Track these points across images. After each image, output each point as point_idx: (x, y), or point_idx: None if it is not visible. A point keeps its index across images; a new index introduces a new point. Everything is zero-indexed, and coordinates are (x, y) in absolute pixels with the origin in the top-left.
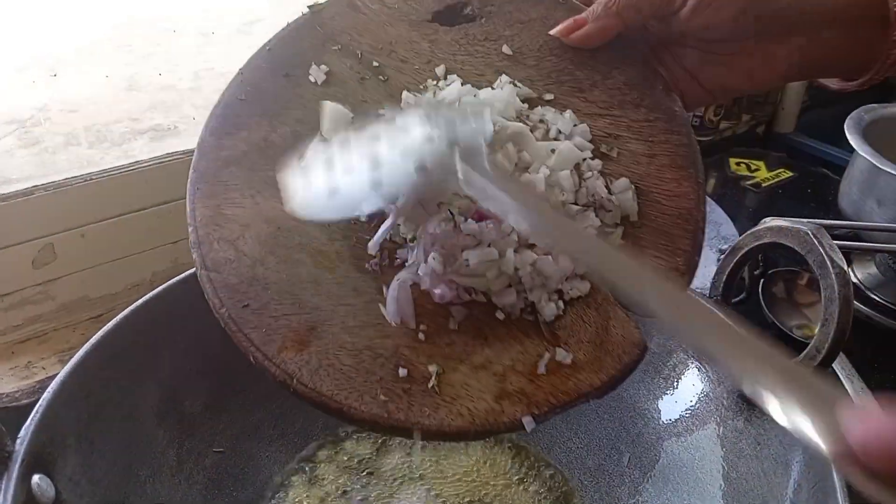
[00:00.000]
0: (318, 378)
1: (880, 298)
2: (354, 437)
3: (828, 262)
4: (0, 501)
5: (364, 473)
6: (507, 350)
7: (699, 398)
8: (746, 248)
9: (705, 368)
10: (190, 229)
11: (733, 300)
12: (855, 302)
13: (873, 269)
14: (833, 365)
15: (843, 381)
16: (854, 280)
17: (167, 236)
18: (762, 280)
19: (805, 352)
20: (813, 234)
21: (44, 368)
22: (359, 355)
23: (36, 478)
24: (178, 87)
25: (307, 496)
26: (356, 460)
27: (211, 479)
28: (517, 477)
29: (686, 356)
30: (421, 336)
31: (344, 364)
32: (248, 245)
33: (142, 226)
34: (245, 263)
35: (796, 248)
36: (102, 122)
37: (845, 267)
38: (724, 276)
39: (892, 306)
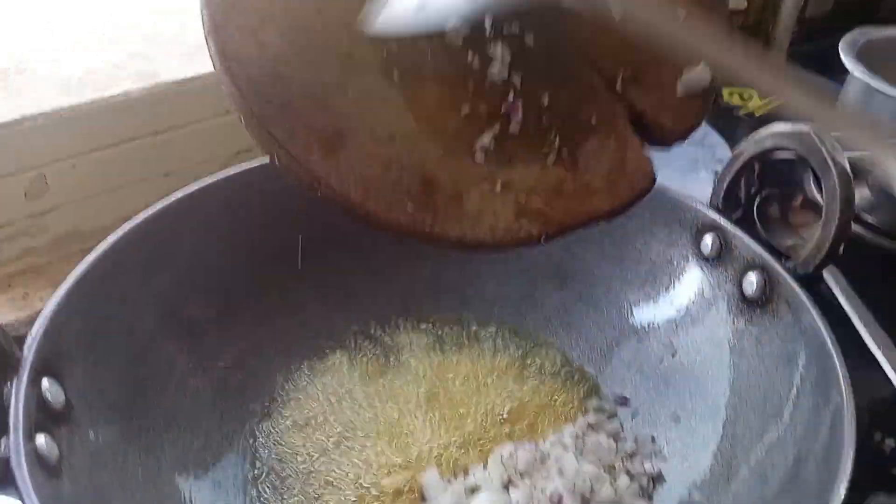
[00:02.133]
0: (345, 184)
1: (873, 220)
2: (361, 343)
3: (829, 162)
4: (13, 404)
5: (373, 377)
6: (529, 173)
7: (698, 302)
8: (747, 155)
9: (705, 271)
10: (204, 14)
11: (732, 217)
12: None
13: (866, 192)
14: (829, 280)
15: (838, 295)
16: None
17: (159, 169)
18: (757, 200)
19: (806, 251)
20: (815, 134)
21: (41, 299)
22: (387, 165)
23: (45, 382)
24: (161, 35)
25: (315, 403)
26: (364, 366)
27: (218, 393)
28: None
29: (685, 261)
30: (448, 153)
31: (372, 173)
32: (269, 38)
33: (133, 157)
34: (266, 57)
35: (798, 150)
36: (83, 70)
37: (846, 165)
38: (725, 185)
39: (885, 227)
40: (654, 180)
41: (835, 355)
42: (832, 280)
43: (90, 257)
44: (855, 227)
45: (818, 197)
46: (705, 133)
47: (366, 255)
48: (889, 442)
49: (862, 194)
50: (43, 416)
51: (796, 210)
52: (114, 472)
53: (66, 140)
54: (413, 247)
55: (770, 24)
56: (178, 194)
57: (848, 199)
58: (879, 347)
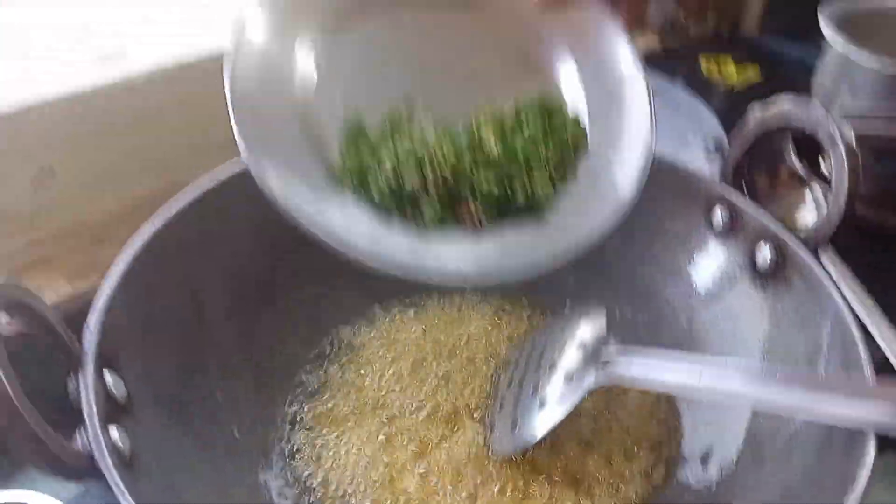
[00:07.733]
0: None
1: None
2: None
3: (837, 135)
4: (83, 396)
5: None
6: None
7: (711, 276)
8: (759, 129)
9: (717, 245)
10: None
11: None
12: None
13: None
14: (826, 264)
15: (838, 280)
16: None
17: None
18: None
19: (813, 225)
20: (822, 107)
21: (56, 293)
22: None
23: (107, 375)
24: None
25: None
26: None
27: (257, 376)
28: None
29: (697, 235)
30: None
31: None
32: None
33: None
34: None
35: (805, 125)
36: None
37: (853, 138)
38: (735, 160)
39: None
40: None
41: (855, 331)
42: (829, 264)
43: (130, 250)
44: None
45: (798, 167)
46: (693, 107)
47: None
48: None
49: None
50: (111, 408)
51: (783, 181)
52: (179, 463)
53: (70, 126)
54: None
55: None
56: (209, 183)
57: (855, 172)
58: (883, 339)
